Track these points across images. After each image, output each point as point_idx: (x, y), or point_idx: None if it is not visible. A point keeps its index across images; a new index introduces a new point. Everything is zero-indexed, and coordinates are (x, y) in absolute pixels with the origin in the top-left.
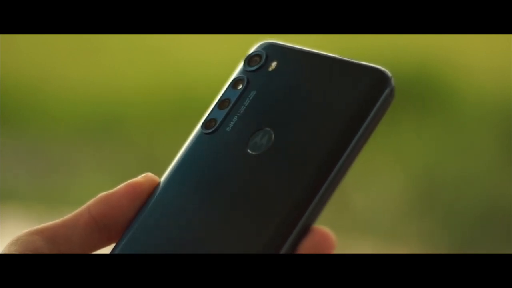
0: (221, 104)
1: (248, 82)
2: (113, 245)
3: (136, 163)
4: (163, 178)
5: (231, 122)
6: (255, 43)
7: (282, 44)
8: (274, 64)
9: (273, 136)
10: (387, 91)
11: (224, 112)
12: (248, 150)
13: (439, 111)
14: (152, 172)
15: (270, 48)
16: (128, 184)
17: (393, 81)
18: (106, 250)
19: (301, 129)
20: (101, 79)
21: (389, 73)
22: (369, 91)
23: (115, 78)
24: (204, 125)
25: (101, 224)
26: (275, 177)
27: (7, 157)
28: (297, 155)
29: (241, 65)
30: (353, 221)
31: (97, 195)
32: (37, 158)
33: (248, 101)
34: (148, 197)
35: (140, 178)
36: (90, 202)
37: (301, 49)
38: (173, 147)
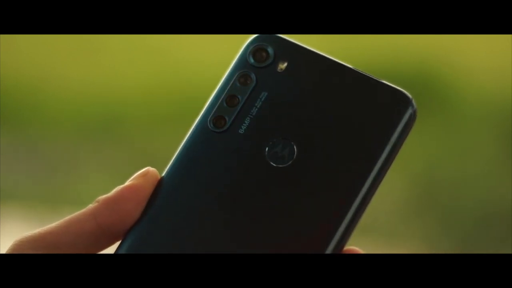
0: (229, 100)
1: (257, 80)
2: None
3: (136, 163)
4: (168, 174)
5: (244, 124)
6: None
7: (289, 41)
8: (284, 64)
9: (295, 149)
10: (410, 114)
11: (233, 110)
12: (270, 161)
13: (439, 111)
14: None
15: (277, 44)
16: (131, 188)
17: (414, 103)
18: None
19: (325, 146)
20: (101, 79)
21: (410, 96)
22: (393, 114)
23: (115, 78)
24: (212, 122)
25: (107, 231)
26: (305, 196)
27: (7, 157)
28: (324, 175)
29: (243, 56)
30: None
31: (98, 197)
32: (37, 158)
33: (260, 103)
34: (152, 194)
35: (140, 178)
36: (94, 209)
37: (312, 51)
38: (173, 147)
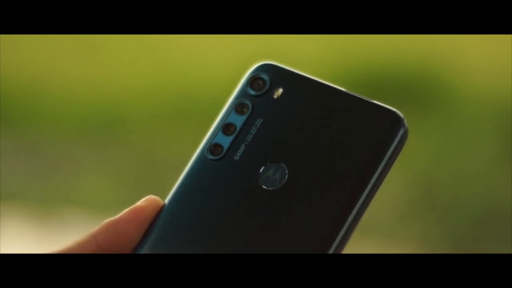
0: (225, 129)
1: (253, 108)
2: None
3: (136, 163)
4: (168, 202)
5: (239, 151)
6: (255, 43)
7: (284, 68)
8: (279, 91)
9: (286, 172)
10: (402, 133)
11: (230, 138)
12: (262, 185)
13: (439, 111)
14: (152, 173)
15: (273, 72)
16: (132, 210)
17: (406, 122)
18: None
19: (316, 168)
20: (101, 79)
21: (401, 115)
22: (385, 134)
23: (115, 78)
24: (209, 150)
25: (107, 252)
26: (292, 218)
27: (7, 157)
28: (314, 196)
29: (242, 87)
30: None
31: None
32: (37, 158)
33: (255, 130)
34: (153, 221)
35: (143, 202)
36: (96, 230)
37: (307, 77)
38: (174, 147)
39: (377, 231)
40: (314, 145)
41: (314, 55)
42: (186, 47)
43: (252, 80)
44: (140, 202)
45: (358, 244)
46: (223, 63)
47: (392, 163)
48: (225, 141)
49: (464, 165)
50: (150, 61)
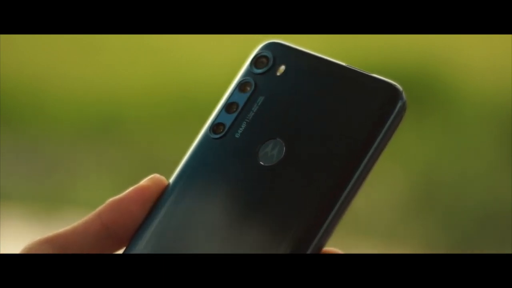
0: (228, 107)
1: (255, 86)
2: (123, 249)
3: (136, 163)
4: (171, 182)
5: (240, 128)
6: (255, 43)
7: (289, 46)
8: (282, 68)
9: (284, 147)
10: (400, 106)
11: (232, 116)
12: (260, 161)
13: (439, 111)
14: (151, 173)
15: (277, 50)
16: (136, 188)
17: (404, 95)
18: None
19: (313, 142)
20: (101, 79)
21: (400, 88)
22: (383, 107)
23: (115, 78)
24: (212, 129)
25: (112, 231)
26: (288, 193)
27: (7, 157)
28: (310, 171)
29: (247, 66)
30: (353, 222)
31: (105, 199)
32: (37, 158)
33: (257, 107)
34: (156, 200)
35: (147, 181)
36: (100, 208)
37: (310, 53)
38: (174, 147)
39: (377, 231)
40: (312, 120)
41: None
42: (186, 47)
43: (257, 59)
44: (144, 181)
45: (358, 244)
46: (223, 63)
47: (391, 136)
48: (227, 119)
49: (464, 165)
50: (150, 61)
